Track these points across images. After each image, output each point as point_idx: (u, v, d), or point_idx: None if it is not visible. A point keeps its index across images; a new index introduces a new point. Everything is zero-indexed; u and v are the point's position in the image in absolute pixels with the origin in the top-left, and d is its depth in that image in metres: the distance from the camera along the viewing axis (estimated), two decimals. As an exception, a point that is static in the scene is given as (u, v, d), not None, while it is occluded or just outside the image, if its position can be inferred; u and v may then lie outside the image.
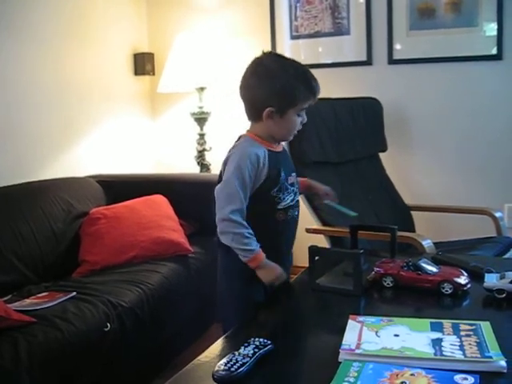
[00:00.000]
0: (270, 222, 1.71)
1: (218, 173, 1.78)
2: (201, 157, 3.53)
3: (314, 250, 1.71)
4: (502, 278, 1.55)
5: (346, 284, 1.63)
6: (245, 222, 1.64)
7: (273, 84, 1.65)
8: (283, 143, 1.83)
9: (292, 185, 1.74)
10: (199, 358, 1.26)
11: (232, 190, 1.63)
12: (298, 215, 1.79)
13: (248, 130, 1.76)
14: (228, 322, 1.67)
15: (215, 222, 1.66)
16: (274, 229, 1.72)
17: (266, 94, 1.66)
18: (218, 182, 1.71)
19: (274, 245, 1.72)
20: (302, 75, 1.69)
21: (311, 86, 1.69)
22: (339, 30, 3.41)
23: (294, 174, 1.77)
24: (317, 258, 1.71)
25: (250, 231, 1.63)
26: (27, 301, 2.15)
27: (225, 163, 1.71)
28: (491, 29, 3.10)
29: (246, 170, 1.63)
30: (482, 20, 3.11)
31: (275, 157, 1.71)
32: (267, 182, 1.68)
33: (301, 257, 1.90)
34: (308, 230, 2.54)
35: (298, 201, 1.78)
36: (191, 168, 3.55)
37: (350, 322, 1.36)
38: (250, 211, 1.67)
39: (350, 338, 1.27)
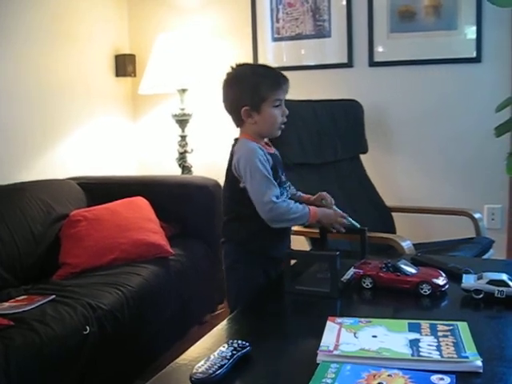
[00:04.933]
0: None
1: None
2: (182, 159, 3.52)
3: (288, 254, 1.71)
4: (479, 278, 1.57)
5: (323, 286, 1.63)
6: (281, 199, 1.77)
7: (241, 85, 1.82)
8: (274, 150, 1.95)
9: (285, 182, 1.89)
10: (177, 360, 1.25)
11: (261, 177, 1.75)
12: None
13: (240, 134, 1.89)
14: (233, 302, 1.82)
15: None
16: None
17: (238, 95, 1.83)
18: (226, 183, 1.88)
19: (277, 238, 1.84)
20: (269, 72, 1.87)
21: (276, 78, 1.84)
22: (320, 32, 3.42)
23: (284, 174, 1.91)
24: (293, 261, 1.72)
25: (289, 201, 1.79)
26: (6, 304, 2.12)
27: (231, 165, 1.83)
28: (471, 32, 3.12)
29: (259, 157, 1.77)
30: (461, 23, 3.14)
31: (269, 155, 1.84)
32: (273, 172, 1.80)
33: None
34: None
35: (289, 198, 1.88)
36: (173, 170, 3.53)
37: (328, 323, 1.36)
38: None
39: (328, 339, 1.28)
